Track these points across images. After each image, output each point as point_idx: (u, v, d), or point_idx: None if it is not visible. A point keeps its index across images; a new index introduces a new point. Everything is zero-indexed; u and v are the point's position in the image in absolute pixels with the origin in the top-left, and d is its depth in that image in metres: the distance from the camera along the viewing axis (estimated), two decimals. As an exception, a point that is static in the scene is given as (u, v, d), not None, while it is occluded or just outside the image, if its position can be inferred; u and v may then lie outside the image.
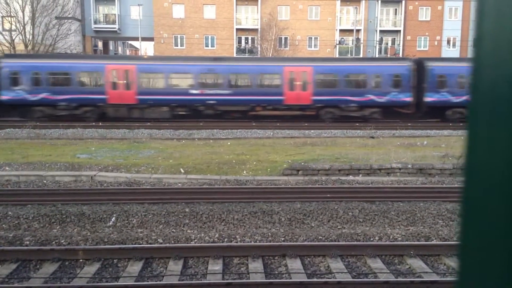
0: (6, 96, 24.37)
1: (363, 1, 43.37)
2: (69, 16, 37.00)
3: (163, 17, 42.52)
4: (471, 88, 0.85)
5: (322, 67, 26.32)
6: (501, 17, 0.77)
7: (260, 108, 25.74)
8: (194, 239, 7.97)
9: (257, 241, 7.88)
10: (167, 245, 7.61)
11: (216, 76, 25.29)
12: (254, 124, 23.92)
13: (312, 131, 21.49)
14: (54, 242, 7.83)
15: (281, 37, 42.66)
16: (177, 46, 43.08)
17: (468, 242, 0.87)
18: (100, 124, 23.36)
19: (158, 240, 7.94)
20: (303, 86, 25.53)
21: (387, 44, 44.53)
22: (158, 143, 17.71)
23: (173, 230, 8.56)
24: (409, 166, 12.81)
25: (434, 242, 7.87)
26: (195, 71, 25.18)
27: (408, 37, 43.87)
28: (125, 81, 24.82)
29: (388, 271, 6.81)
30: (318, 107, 25.61)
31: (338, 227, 8.82)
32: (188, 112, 25.41)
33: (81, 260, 7.14)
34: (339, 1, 43.19)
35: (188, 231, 8.52)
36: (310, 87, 25.56)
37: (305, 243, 7.79)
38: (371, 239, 8.07)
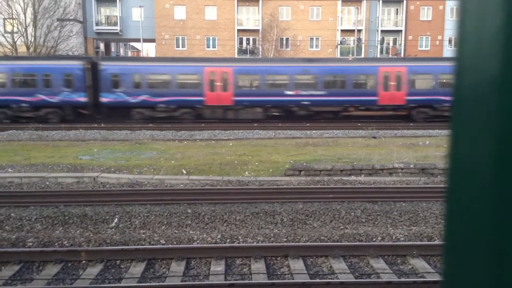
0: (106, 99, 24.86)
1: (364, 1, 43.35)
2: (71, 18, 37.06)
3: (165, 18, 42.57)
4: (454, 89, 0.85)
5: (417, 67, 26.41)
6: (482, 18, 0.77)
7: (353, 108, 26.00)
8: (197, 240, 7.98)
9: (260, 242, 7.88)
10: (170, 246, 7.61)
11: (311, 77, 25.55)
12: (255, 125, 23.92)
13: (313, 131, 21.48)
14: (56, 244, 7.85)
15: (283, 38, 42.66)
16: (179, 47, 43.13)
17: (452, 242, 0.87)
18: (102, 125, 23.41)
19: (161, 241, 7.95)
20: (397, 87, 25.70)
21: (388, 44, 44.49)
22: (160, 144, 17.73)
23: (176, 231, 8.57)
24: (411, 166, 12.79)
25: (437, 242, 7.86)
26: (291, 72, 25.51)
27: (410, 37, 43.82)
28: (222, 83, 25.16)
29: (391, 272, 6.80)
30: (411, 107, 25.76)
31: (341, 227, 8.81)
32: (281, 113, 25.75)
33: (83, 262, 7.15)
34: (340, 1, 43.16)
35: (190, 232, 8.52)
36: (404, 88, 25.70)
37: (308, 243, 7.79)
38: (374, 239, 8.06)
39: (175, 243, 7.86)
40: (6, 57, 28.82)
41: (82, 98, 24.90)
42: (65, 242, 7.90)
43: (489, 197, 0.77)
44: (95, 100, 25.13)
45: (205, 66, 25.68)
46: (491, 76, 0.76)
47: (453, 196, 0.86)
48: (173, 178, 12.12)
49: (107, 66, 25.25)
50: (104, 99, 24.87)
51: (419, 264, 7.06)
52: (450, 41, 43.72)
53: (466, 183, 0.82)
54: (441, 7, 43.50)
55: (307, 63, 26.59)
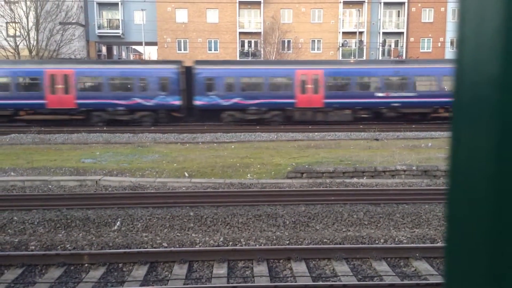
0: (200, 102, 25.27)
1: (366, 4, 43.37)
2: (73, 21, 37.19)
3: (167, 21, 42.68)
4: (454, 90, 0.85)
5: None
6: (481, 19, 0.77)
7: (442, 110, 25.93)
8: (199, 243, 7.98)
9: (262, 245, 7.88)
10: (172, 249, 7.61)
11: (401, 79, 25.69)
12: (258, 127, 23.94)
13: (316, 133, 21.47)
14: (59, 247, 7.86)
15: (284, 40, 42.71)
16: (180, 50, 43.22)
17: (454, 243, 0.87)
18: (105, 128, 23.45)
19: (163, 244, 7.95)
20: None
21: (390, 46, 44.49)
22: (162, 147, 17.75)
23: (178, 234, 8.57)
24: (414, 168, 12.77)
25: (440, 244, 7.84)
26: (381, 74, 25.68)
27: (412, 39, 43.79)
28: (313, 85, 25.43)
29: (394, 274, 6.78)
30: None
31: (343, 229, 8.79)
32: (369, 115, 25.88)
33: (86, 265, 7.15)
34: (342, 4, 43.20)
35: (192, 234, 8.52)
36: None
37: (310, 246, 7.78)
38: (376, 241, 8.05)
39: (177, 246, 7.86)
40: (103, 61, 29.30)
41: (176, 102, 25.35)
42: (67, 246, 7.91)
43: (489, 198, 0.77)
44: (188, 103, 25.61)
45: (297, 68, 25.96)
46: (491, 77, 0.76)
47: (454, 197, 0.86)
48: (176, 181, 12.13)
49: (202, 70, 25.66)
50: (198, 102, 25.31)
51: (422, 266, 7.04)
52: (452, 43, 43.68)
53: (467, 184, 0.82)
54: (442, 9, 43.48)
55: (398, 64, 26.82)
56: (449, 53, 42.67)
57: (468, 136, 0.82)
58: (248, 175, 12.77)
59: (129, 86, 25.40)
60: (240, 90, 25.44)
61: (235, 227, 8.82)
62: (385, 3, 43.48)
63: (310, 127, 23.99)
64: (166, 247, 7.79)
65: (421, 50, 43.32)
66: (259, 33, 43.08)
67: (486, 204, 0.77)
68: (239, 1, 42.88)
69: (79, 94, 24.93)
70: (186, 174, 12.74)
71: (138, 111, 25.20)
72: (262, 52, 42.23)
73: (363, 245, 7.80)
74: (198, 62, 27.32)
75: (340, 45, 43.39)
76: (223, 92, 25.28)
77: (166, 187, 11.70)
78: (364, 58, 42.36)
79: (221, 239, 8.14)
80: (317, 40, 43.63)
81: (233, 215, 9.19)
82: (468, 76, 0.81)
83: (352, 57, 41.99)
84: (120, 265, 7.19)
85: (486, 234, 0.78)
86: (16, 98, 24.49)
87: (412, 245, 7.74)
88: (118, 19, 43.56)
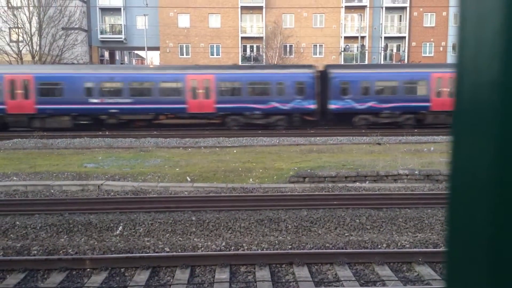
0: (334, 105, 25.62)
1: (368, 8, 43.45)
2: (76, 26, 37.36)
3: (169, 26, 42.84)
4: (455, 93, 0.85)
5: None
6: (481, 22, 0.77)
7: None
8: (201, 248, 7.97)
9: (264, 249, 7.86)
10: (174, 253, 7.60)
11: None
12: (260, 132, 23.94)
13: (318, 138, 21.46)
14: (61, 252, 7.86)
15: (286, 45, 42.80)
16: (183, 55, 43.35)
17: (454, 246, 0.87)
18: (107, 133, 23.49)
19: (165, 248, 7.94)
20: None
21: (392, 50, 44.52)
22: (164, 151, 17.76)
23: (180, 238, 8.56)
24: (416, 172, 12.74)
25: (442, 249, 7.80)
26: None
27: (413, 43, 43.83)
28: (448, 89, 25.59)
29: (397, 279, 6.75)
30: None
31: (346, 234, 8.77)
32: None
33: (88, 269, 7.15)
34: (344, 9, 43.30)
35: (195, 239, 8.51)
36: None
37: (312, 250, 7.76)
38: (379, 246, 8.02)
39: (179, 250, 7.85)
40: (240, 66, 30.78)
41: (311, 105, 25.72)
42: (69, 250, 7.90)
43: (490, 201, 0.77)
44: (322, 107, 25.94)
45: (433, 72, 26.14)
46: (491, 79, 0.76)
47: (455, 200, 0.86)
48: (178, 185, 12.13)
49: (337, 74, 25.96)
50: (332, 105, 25.61)
51: (425, 271, 7.01)
52: (454, 47, 43.68)
53: (468, 187, 0.82)
54: (444, 13, 43.52)
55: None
56: (451, 57, 42.67)
57: (469, 140, 0.82)
58: (250, 180, 12.76)
59: (267, 90, 25.89)
60: (375, 93, 25.79)
61: (237, 232, 8.81)
62: (387, 8, 43.55)
63: (312, 131, 24.02)
64: (168, 252, 7.78)
65: (423, 55, 43.34)
66: (261, 38, 43.18)
67: (487, 207, 0.77)
68: (241, 6, 43.02)
69: (218, 98, 25.43)
70: (188, 179, 12.74)
71: (274, 115, 25.60)
72: (264, 57, 42.32)
73: (366, 250, 7.77)
74: (334, 66, 27.83)
75: (342, 49, 43.45)
76: (357, 96, 25.60)
77: (168, 191, 11.70)
78: (366, 62, 42.41)
79: (223, 243, 8.13)
80: (319, 45, 43.71)
81: (235, 220, 9.17)
82: (468, 79, 0.81)
83: (354, 62, 42.06)
84: (122, 270, 7.18)
85: (487, 238, 0.78)
86: (158, 102, 25.09)
87: (415, 249, 7.72)
88: (121, 24, 43.73)
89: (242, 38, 43.63)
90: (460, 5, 0.83)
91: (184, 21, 43.41)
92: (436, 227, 8.98)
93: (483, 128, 0.78)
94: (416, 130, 24.00)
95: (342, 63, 41.73)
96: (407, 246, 8.02)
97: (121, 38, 43.80)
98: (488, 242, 0.77)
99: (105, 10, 43.86)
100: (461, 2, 0.83)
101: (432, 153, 16.72)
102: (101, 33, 43.73)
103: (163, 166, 14.39)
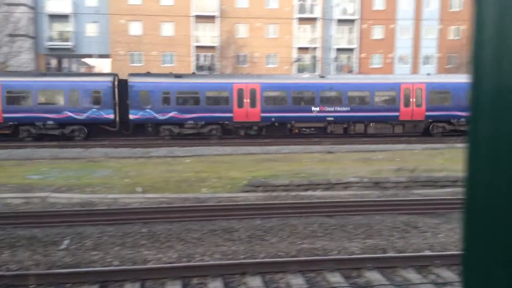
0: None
1: (319, 20, 44.47)
2: (22, 33, 35.96)
3: (120, 34, 42.05)
4: (471, 98, 0.82)
5: None
6: (502, 23, 0.74)
7: None
8: (152, 260, 7.77)
9: (217, 260, 7.77)
10: (123, 267, 7.37)
11: None
12: (213, 141, 23.83)
13: (271, 147, 21.61)
14: (3, 268, 7.44)
15: (240, 55, 43.05)
16: (134, 63, 42.64)
17: (471, 251, 0.86)
18: (53, 144, 22.63)
19: (114, 262, 7.69)
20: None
21: (342, 61, 45.73)
22: (114, 162, 17.30)
23: (130, 251, 8.31)
24: (366, 180, 13.07)
25: (390, 254, 8.01)
26: None
27: (363, 55, 45.22)
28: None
29: (347, 285, 6.85)
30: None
31: (298, 242, 8.82)
32: None
33: (32, 286, 6.80)
34: (296, 20, 44.11)
35: (145, 252, 8.29)
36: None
37: (265, 259, 7.74)
38: (330, 253, 8.12)
39: (129, 264, 7.63)
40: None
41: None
42: (12, 266, 7.49)
43: (507, 206, 0.76)
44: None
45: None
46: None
47: (471, 205, 0.84)
48: (128, 196, 11.83)
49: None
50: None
51: (374, 276, 7.15)
52: (401, 59, 45.43)
53: (485, 193, 0.81)
54: (391, 26, 45.24)
55: None
56: (398, 68, 44.33)
57: (487, 143, 0.79)
58: (204, 190, 12.64)
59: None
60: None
61: (189, 243, 8.66)
62: (338, 20, 44.76)
63: (266, 140, 24.14)
64: (117, 266, 7.53)
65: (372, 66, 44.77)
66: (215, 47, 43.19)
67: (504, 212, 0.76)
68: (195, 15, 42.91)
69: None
70: (139, 189, 12.46)
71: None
72: (218, 66, 42.34)
73: (318, 257, 7.85)
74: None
75: (295, 60, 44.18)
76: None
77: (117, 203, 11.38)
78: (319, 72, 43.31)
79: (175, 255, 7.97)
80: (273, 55, 44.24)
81: (188, 231, 9.04)
82: (487, 84, 0.78)
83: (307, 72, 42.84)
84: (69, 285, 6.87)
85: (506, 242, 0.77)
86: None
87: (364, 255, 7.87)
88: (69, 31, 42.47)
89: (196, 47, 43.49)
90: (476, 8, 0.80)
91: (136, 28, 42.78)
92: (384, 233, 9.21)
93: (502, 131, 0.76)
94: (365, 139, 24.62)
95: (296, 73, 42.34)
96: (357, 252, 8.17)
97: (69, 45, 42.52)
98: (506, 246, 0.76)
99: (54, 17, 42.46)
100: (477, 5, 0.80)
101: (380, 161, 17.23)
102: (49, 40, 42.28)
103: (113, 177, 14.01)
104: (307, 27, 44.67)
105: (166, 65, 42.64)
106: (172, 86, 25.26)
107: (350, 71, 42.95)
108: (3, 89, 23.90)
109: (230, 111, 25.38)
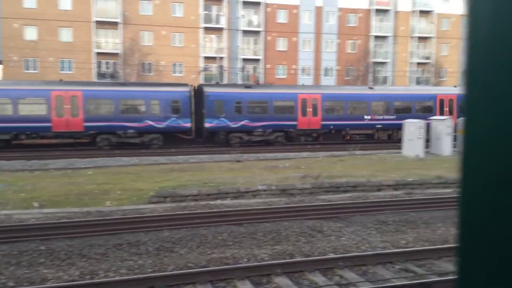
0: None
1: (225, 31, 44.98)
2: None
3: (13, 39, 39.04)
4: (465, 98, 0.83)
5: None
6: (499, 20, 0.74)
7: None
8: (51, 279, 7.23)
9: (123, 275, 7.44)
10: (18, 289, 6.77)
11: None
12: (117, 151, 22.93)
13: (179, 157, 21.32)
14: None
15: (145, 63, 42.06)
16: (29, 70, 39.77)
17: (466, 245, 0.87)
18: None
19: (8, 284, 7.04)
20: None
21: (248, 71, 46.65)
22: (6, 175, 15.91)
23: (27, 271, 7.66)
24: (273, 187, 13.39)
25: (297, 259, 8.26)
26: None
27: (268, 66, 46.52)
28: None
29: (257, 292, 6.93)
30: None
31: (208, 252, 8.76)
32: None
33: None
34: (203, 29, 44.18)
35: (44, 270, 7.69)
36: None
37: (174, 272, 7.57)
38: (240, 261, 8.17)
39: (25, 284, 7.02)
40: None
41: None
42: None
43: (501, 202, 0.77)
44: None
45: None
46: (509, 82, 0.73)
47: (467, 202, 0.86)
48: (23, 212, 10.93)
49: None
50: None
51: (283, 281, 7.32)
52: (303, 70, 47.46)
53: (480, 189, 0.82)
54: (294, 39, 47.13)
55: None
56: (301, 79, 46.25)
57: (481, 141, 0.80)
58: (108, 202, 12.08)
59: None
60: None
61: (92, 259, 8.20)
62: (244, 31, 45.62)
63: (173, 150, 23.78)
64: (12, 287, 6.90)
65: (276, 76, 46.20)
66: (118, 54, 41.76)
67: (497, 208, 0.77)
68: (96, 21, 41.18)
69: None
70: (36, 204, 11.57)
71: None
72: (121, 74, 40.94)
73: (228, 266, 7.84)
74: None
75: (202, 69, 44.17)
76: None
77: (12, 219, 10.45)
78: (226, 82, 43.72)
79: (77, 273, 7.49)
80: (179, 64, 43.82)
81: (91, 246, 8.56)
82: (481, 82, 0.78)
83: (213, 81, 43.05)
84: (-49, 315, 6.15)
85: (499, 238, 0.78)
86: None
87: (273, 261, 8.02)
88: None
89: (98, 53, 41.68)
90: (469, 6, 0.79)
91: (31, 33, 39.98)
92: (291, 238, 9.48)
93: (496, 128, 0.76)
94: (271, 148, 25.32)
95: (203, 82, 42.35)
96: (266, 258, 8.31)
97: (-47, 48, 38.56)
98: (500, 242, 0.78)
99: None
100: (470, 3, 0.79)
101: (286, 169, 17.76)
102: None
103: (6, 192, 12.87)
104: (213, 37, 44.95)
105: (64, 72, 40.34)
106: (244, 96, 26.23)
107: (257, 82, 43.91)
108: (84, 98, 23.53)
109: (295, 120, 27.02)
